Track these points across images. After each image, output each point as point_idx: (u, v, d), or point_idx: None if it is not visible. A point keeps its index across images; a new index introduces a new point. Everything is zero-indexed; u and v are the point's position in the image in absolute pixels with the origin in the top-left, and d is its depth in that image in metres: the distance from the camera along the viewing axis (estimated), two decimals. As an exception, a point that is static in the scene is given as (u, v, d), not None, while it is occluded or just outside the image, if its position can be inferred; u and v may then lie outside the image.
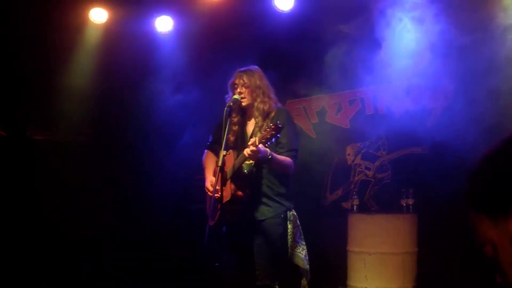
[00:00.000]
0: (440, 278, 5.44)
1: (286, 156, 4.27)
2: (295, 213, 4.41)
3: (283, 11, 6.23)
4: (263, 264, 4.28)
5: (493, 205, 1.35)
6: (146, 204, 6.54)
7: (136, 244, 6.63)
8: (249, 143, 4.02)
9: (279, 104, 4.56)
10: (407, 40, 5.79)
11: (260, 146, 3.96)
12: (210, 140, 4.74)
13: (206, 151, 4.75)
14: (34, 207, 6.22)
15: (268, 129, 3.95)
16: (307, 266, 4.37)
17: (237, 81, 4.45)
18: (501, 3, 5.33)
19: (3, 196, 6.07)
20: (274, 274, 4.26)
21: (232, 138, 4.41)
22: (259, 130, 4.30)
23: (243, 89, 4.41)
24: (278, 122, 3.95)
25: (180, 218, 5.12)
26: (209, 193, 4.40)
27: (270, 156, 4.08)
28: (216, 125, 4.71)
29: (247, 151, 3.98)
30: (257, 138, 3.98)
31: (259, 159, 4.06)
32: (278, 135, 3.94)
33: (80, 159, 6.62)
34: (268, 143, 3.98)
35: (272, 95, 4.52)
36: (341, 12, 6.16)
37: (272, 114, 4.43)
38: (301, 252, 4.34)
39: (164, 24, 6.68)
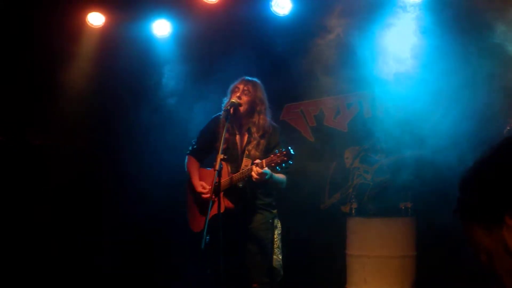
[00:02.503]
0: (439, 282, 5.43)
1: (281, 173, 4.32)
2: (279, 221, 4.55)
3: (280, 14, 6.23)
4: (256, 266, 4.39)
5: (486, 214, 1.33)
6: (144, 208, 6.52)
7: (135, 246, 6.62)
8: (254, 166, 4.05)
9: (273, 122, 4.59)
10: (407, 44, 5.79)
11: (266, 168, 4.03)
12: (194, 146, 4.71)
13: (188, 157, 4.71)
14: (32, 210, 6.20)
15: (278, 154, 3.97)
16: (281, 271, 4.49)
17: (240, 86, 4.43)
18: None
19: (2, 200, 6.06)
20: (266, 274, 4.39)
21: (223, 146, 4.27)
22: (255, 147, 4.35)
23: (243, 96, 4.39)
24: (290, 148, 3.97)
25: (178, 223, 5.12)
26: (203, 196, 4.42)
27: (270, 178, 4.14)
28: (200, 131, 4.70)
29: (254, 175, 4.04)
30: (264, 161, 4.02)
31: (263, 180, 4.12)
32: (291, 162, 3.97)
33: (77, 163, 6.60)
34: (278, 168, 4.01)
35: (269, 112, 4.53)
36: (338, 16, 6.16)
37: (269, 131, 4.44)
38: (279, 256, 4.47)
39: (161, 27, 6.67)
